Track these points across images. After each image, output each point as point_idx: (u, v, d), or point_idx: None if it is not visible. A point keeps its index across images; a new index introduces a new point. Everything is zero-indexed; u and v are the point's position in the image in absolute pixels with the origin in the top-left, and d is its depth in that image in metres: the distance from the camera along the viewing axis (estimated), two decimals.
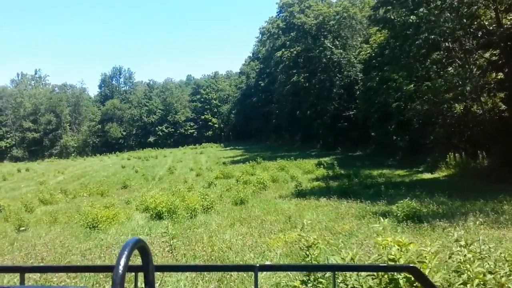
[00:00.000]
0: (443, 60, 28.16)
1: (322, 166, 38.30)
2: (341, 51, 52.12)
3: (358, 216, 17.03)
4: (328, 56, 52.81)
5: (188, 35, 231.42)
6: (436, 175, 29.22)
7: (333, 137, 58.97)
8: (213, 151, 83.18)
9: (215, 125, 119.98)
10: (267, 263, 7.04)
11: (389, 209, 17.80)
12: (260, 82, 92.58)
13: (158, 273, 3.61)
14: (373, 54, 39.81)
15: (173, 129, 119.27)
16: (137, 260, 1.45)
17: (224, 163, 54.81)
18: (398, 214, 15.28)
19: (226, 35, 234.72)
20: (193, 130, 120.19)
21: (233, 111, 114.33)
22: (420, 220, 14.95)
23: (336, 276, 2.16)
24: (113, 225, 18.71)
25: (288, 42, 58.69)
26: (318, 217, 17.71)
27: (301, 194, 24.17)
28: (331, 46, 51.81)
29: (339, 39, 52.97)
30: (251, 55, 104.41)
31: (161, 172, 50.40)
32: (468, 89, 24.07)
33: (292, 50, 56.64)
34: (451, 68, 28.14)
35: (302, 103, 63.55)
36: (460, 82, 24.81)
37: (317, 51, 53.73)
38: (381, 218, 15.09)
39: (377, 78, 38.18)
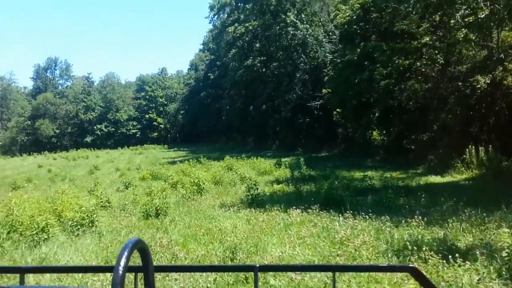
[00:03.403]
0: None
1: (283, 166, 28.93)
2: (307, 26, 42.96)
3: (396, 253, 7.75)
4: (291, 33, 43.38)
5: (136, 31, 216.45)
6: (449, 178, 20.32)
7: (293, 136, 49.77)
8: (154, 152, 73.81)
9: (161, 126, 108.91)
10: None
11: (452, 237, 8.66)
12: (209, 74, 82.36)
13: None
14: (354, 17, 30.74)
15: (113, 129, 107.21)
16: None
17: (161, 163, 45.22)
18: None
19: (177, 33, 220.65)
20: (136, 130, 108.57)
21: (181, 111, 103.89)
22: None
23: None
24: None
25: (242, 16, 49.06)
26: (295, 251, 8.31)
27: (256, 202, 14.75)
28: (295, 20, 42.50)
29: (304, 13, 43.79)
30: (201, 47, 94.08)
31: (81, 172, 40.74)
32: None
33: (247, 25, 46.88)
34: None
35: (257, 97, 54.34)
36: None
37: (278, 27, 44.34)
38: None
39: (359, 50, 29.14)
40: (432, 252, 6.95)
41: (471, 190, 16.13)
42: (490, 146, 19.63)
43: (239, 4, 50.45)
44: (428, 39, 23.37)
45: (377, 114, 29.92)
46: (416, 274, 1.49)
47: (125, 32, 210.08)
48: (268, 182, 22.68)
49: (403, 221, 10.23)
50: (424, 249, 7.13)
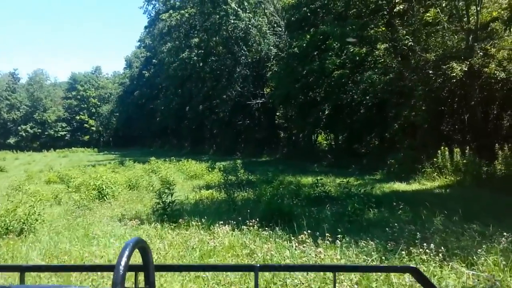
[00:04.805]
0: None
1: (217, 169, 24.74)
2: (250, 15, 38.83)
3: None
4: (232, 23, 39.05)
5: (71, 27, 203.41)
6: (417, 185, 16.60)
7: (231, 139, 45.86)
8: (81, 155, 68.18)
9: (93, 128, 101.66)
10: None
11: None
12: (144, 72, 76.62)
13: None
14: None
15: (40, 130, 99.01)
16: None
17: (84, 166, 40.40)
18: None
19: (115, 32, 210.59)
20: (65, 132, 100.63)
21: (116, 113, 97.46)
22: None
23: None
24: None
25: (178, 3, 44.14)
26: None
27: (169, 213, 10.44)
28: (236, 8, 38.24)
29: (247, 2, 39.46)
30: (138, 44, 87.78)
31: None
32: None
33: (183, 12, 42.11)
34: None
35: (193, 97, 50.17)
36: None
37: (217, 17, 40.04)
38: None
39: (308, 36, 25.27)
40: None
41: (456, 200, 12.39)
42: (468, 147, 16.08)
43: None
44: (401, 7, 19.76)
45: (326, 112, 26.14)
46: (417, 274, 1.48)
47: (58, 27, 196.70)
48: (196, 187, 18.54)
49: (401, 250, 6.11)
50: None
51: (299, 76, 26.02)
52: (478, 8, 16.77)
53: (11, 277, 6.05)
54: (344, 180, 16.53)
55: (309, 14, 26.86)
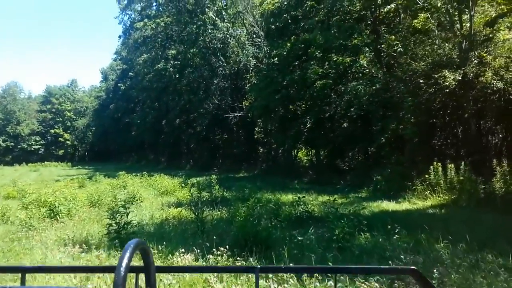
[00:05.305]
0: None
1: (190, 184, 23.16)
2: (228, 24, 37.46)
3: None
4: (209, 33, 37.48)
5: (47, 40, 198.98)
6: (407, 204, 15.12)
7: (209, 153, 44.39)
8: (54, 170, 65.95)
9: (68, 142, 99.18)
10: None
11: None
12: (120, 85, 74.73)
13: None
14: (285, 3, 25.33)
15: (13, 144, 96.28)
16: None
17: (51, 181, 38.40)
18: None
19: (93, 46, 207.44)
20: (39, 146, 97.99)
21: (92, 127, 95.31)
22: None
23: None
24: None
25: (153, 12, 42.68)
26: None
27: (123, 237, 8.76)
28: (214, 18, 36.75)
29: (226, 12, 38.09)
30: (114, 56, 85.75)
31: None
32: None
33: (158, 21, 40.53)
34: None
35: (170, 110, 48.66)
36: None
37: (195, 26, 38.68)
38: None
39: (289, 45, 23.90)
40: None
41: (456, 223, 10.91)
42: (462, 163, 14.72)
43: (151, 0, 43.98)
44: (391, 5, 18.45)
45: (308, 125, 24.68)
46: (417, 275, 1.44)
47: (33, 39, 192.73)
48: (166, 204, 16.92)
49: None
50: None
51: (279, 87, 24.61)
52: (472, 13, 15.57)
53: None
54: (328, 198, 14.96)
55: (289, 21, 25.49)
